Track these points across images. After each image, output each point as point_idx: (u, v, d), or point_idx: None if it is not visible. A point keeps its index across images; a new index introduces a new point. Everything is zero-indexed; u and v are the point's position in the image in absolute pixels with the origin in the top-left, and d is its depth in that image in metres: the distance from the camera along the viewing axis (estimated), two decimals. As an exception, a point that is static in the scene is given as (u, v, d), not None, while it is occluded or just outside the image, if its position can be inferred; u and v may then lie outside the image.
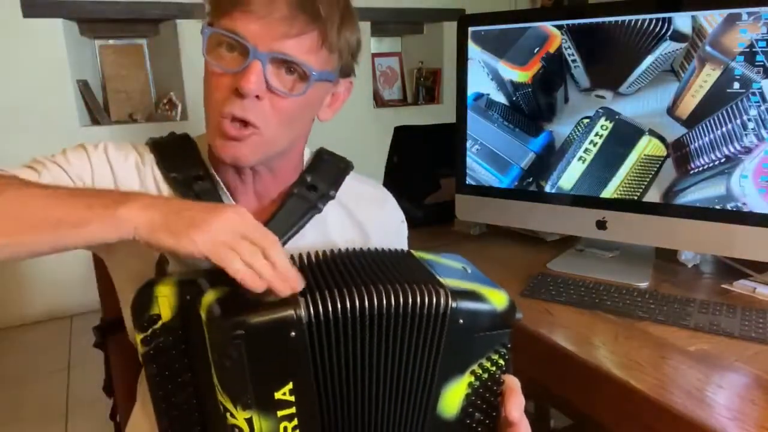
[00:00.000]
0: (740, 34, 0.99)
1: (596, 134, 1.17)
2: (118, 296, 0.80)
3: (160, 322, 0.61)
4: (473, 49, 1.29)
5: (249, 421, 0.55)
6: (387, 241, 0.76)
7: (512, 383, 0.65)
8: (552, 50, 1.20)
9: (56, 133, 1.65)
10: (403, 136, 1.59)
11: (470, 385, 0.63)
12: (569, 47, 1.17)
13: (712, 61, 1.03)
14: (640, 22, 1.08)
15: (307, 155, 0.85)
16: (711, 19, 1.02)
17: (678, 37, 1.05)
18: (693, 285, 1.14)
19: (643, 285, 1.13)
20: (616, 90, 1.14)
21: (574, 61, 1.17)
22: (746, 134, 1.02)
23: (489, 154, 1.31)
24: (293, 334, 0.55)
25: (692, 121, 1.06)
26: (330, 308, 0.56)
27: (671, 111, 1.09)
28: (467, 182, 1.35)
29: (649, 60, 1.09)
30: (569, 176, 1.22)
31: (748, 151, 1.02)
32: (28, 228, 0.55)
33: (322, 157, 0.85)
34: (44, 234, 0.55)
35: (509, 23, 1.24)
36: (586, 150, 1.19)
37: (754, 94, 1.00)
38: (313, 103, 0.74)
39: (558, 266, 1.24)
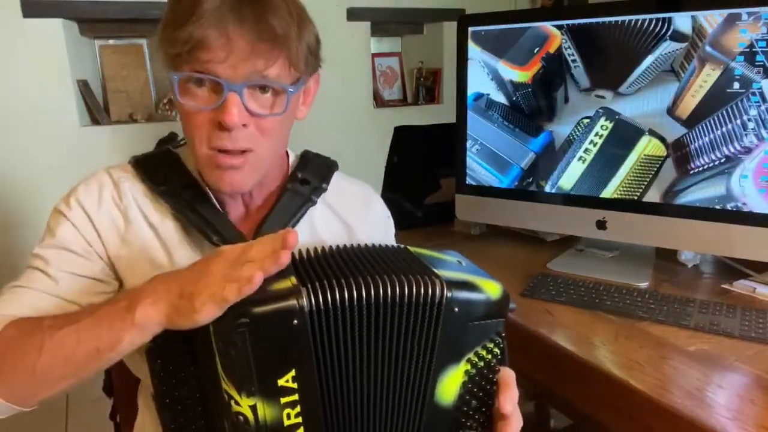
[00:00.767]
0: (740, 34, 0.99)
1: (596, 134, 1.17)
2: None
3: None
4: (473, 49, 1.29)
5: (253, 408, 0.56)
6: (373, 237, 0.78)
7: (506, 376, 0.66)
8: (552, 50, 1.20)
9: (56, 132, 1.64)
10: (403, 136, 1.59)
11: (467, 373, 0.64)
12: (569, 47, 1.17)
13: (712, 61, 1.03)
14: (640, 22, 1.08)
15: (292, 158, 0.88)
16: (711, 19, 1.02)
17: (678, 37, 1.05)
18: (693, 285, 1.14)
19: (643, 285, 1.13)
20: (616, 90, 1.14)
21: (574, 61, 1.17)
22: (746, 134, 1.02)
23: (489, 154, 1.31)
24: (296, 322, 0.56)
25: (692, 121, 1.07)
26: (331, 297, 0.58)
27: (671, 111, 1.09)
28: (467, 182, 1.35)
29: (649, 60, 1.09)
30: (569, 176, 1.22)
31: (748, 151, 1.02)
32: (82, 365, 0.61)
33: (308, 156, 0.89)
34: (93, 365, 0.62)
35: (509, 23, 1.24)
36: (586, 150, 1.19)
37: (754, 94, 1.00)
38: (292, 111, 0.76)
39: (558, 266, 1.24)
